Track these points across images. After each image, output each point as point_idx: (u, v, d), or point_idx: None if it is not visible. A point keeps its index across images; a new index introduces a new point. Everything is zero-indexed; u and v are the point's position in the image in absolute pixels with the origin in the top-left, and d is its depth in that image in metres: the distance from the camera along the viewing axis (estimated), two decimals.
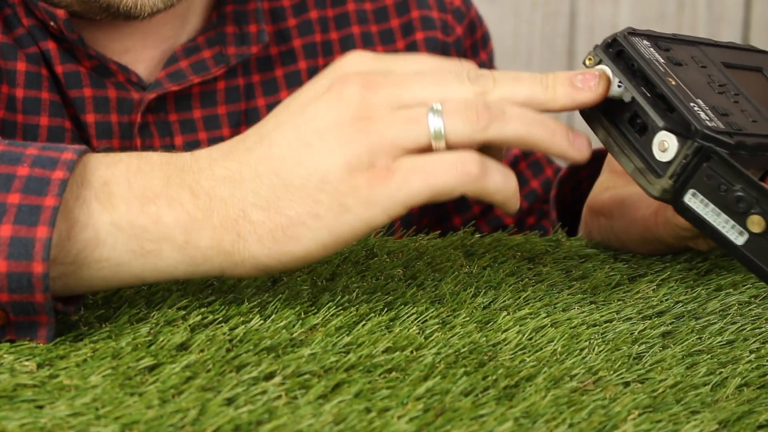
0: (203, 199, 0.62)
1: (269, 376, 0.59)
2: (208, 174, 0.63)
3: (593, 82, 0.65)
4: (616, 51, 0.67)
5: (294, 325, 0.64)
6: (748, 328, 0.70)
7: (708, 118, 0.65)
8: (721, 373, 0.63)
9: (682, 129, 0.65)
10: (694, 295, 0.75)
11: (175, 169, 0.63)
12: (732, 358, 0.65)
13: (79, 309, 0.65)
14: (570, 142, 0.64)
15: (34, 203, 0.60)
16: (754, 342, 0.68)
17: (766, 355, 0.66)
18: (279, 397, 0.57)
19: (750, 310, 0.73)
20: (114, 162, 0.63)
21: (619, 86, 0.67)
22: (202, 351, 0.61)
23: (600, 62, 0.67)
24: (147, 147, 0.92)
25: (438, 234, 0.83)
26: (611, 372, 0.62)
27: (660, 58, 0.68)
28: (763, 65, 0.77)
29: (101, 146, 0.91)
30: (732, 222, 0.64)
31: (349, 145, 0.62)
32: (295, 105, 0.64)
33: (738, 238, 0.64)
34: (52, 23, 0.88)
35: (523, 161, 1.09)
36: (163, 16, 0.92)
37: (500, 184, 0.63)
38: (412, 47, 1.03)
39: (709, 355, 0.66)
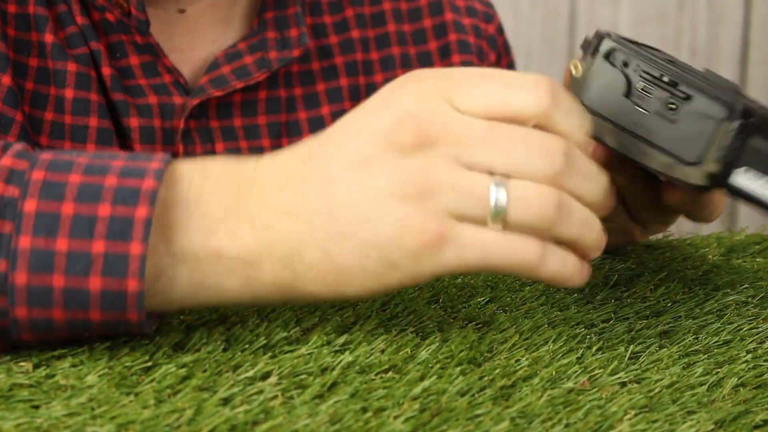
0: (262, 233, 0.61)
1: (265, 376, 0.59)
2: (266, 205, 0.61)
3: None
4: (606, 51, 0.66)
5: (290, 325, 0.64)
6: (745, 328, 0.70)
7: (731, 95, 0.65)
8: (717, 373, 0.63)
9: (713, 110, 0.65)
10: (692, 295, 0.75)
11: (236, 190, 0.62)
12: (729, 358, 0.65)
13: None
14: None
15: (120, 251, 0.59)
16: (751, 342, 0.68)
17: (762, 355, 0.66)
18: (275, 396, 0.57)
19: (747, 310, 0.73)
20: (175, 181, 0.61)
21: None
22: (198, 350, 0.61)
23: (590, 67, 0.67)
24: (189, 153, 0.91)
25: None
26: (608, 372, 0.62)
27: (648, 51, 0.68)
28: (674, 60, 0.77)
29: (144, 150, 0.91)
30: None
31: (404, 208, 0.60)
32: (354, 141, 0.62)
33: None
34: (121, 5, 0.88)
35: None
36: (209, 15, 0.93)
37: (557, 271, 0.61)
38: None
39: (706, 355, 0.65)
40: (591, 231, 0.62)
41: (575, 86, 0.68)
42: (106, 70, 0.90)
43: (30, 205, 0.59)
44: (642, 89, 0.66)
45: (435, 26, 1.04)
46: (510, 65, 1.11)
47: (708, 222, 0.78)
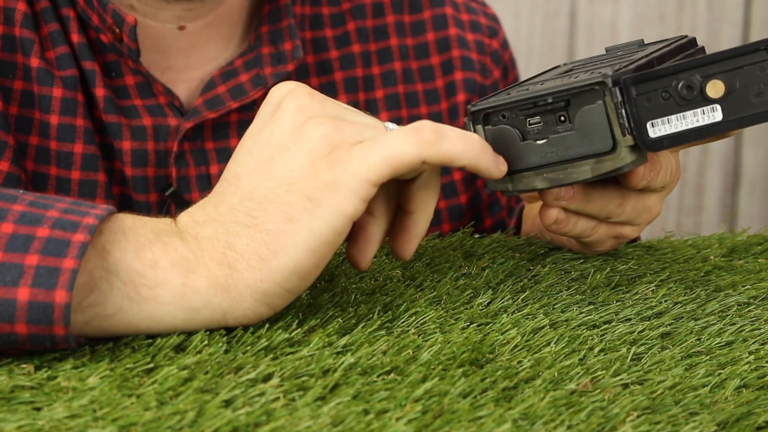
0: (192, 242, 0.63)
1: (267, 378, 0.59)
2: (190, 224, 0.64)
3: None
4: (482, 118, 0.69)
5: (292, 326, 0.64)
6: (747, 330, 0.70)
7: (597, 73, 0.67)
8: (720, 374, 0.63)
9: (592, 97, 0.67)
10: (693, 296, 0.75)
11: (163, 225, 0.64)
12: (731, 360, 0.65)
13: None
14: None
15: (53, 265, 0.59)
16: (753, 343, 0.68)
17: (765, 356, 0.66)
18: (277, 398, 0.56)
19: (749, 311, 0.73)
20: (111, 218, 0.63)
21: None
22: (199, 352, 0.61)
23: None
24: (182, 176, 0.91)
25: (437, 235, 0.83)
26: (610, 373, 0.62)
27: (514, 94, 0.70)
28: (570, 67, 0.78)
29: (135, 174, 0.90)
30: (698, 109, 0.66)
31: (309, 141, 0.63)
32: (248, 142, 0.66)
33: (715, 116, 0.66)
34: (114, 31, 0.87)
35: None
36: (209, 34, 0.92)
37: (460, 145, 0.65)
38: (450, 87, 1.03)
39: (708, 357, 0.65)
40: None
41: None
42: (100, 91, 0.89)
43: None
44: (531, 125, 0.69)
45: (438, 40, 1.03)
46: (516, 79, 1.10)
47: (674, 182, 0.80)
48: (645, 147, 0.67)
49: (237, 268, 0.62)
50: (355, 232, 0.68)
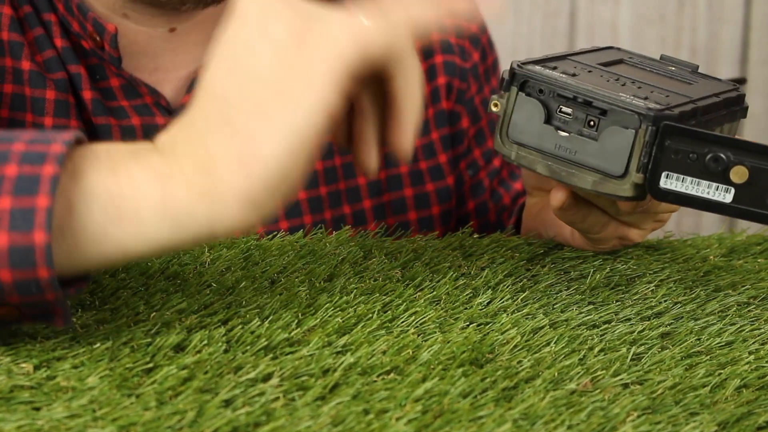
0: (168, 153, 0.61)
1: (267, 378, 0.59)
2: (167, 139, 0.62)
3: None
4: (520, 83, 0.69)
5: (292, 326, 0.64)
6: (747, 329, 0.70)
7: (643, 103, 0.67)
8: (720, 374, 0.63)
9: (628, 121, 0.67)
10: (693, 296, 0.75)
11: (140, 145, 0.62)
12: (731, 360, 0.65)
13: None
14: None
15: (27, 206, 0.58)
16: (753, 343, 0.68)
17: (765, 356, 0.66)
18: (277, 398, 0.56)
19: (749, 311, 0.73)
20: (81, 143, 0.61)
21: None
22: (199, 352, 0.61)
23: (508, 98, 0.69)
24: None
25: (436, 234, 0.83)
26: (610, 373, 0.62)
27: (560, 75, 0.69)
28: (621, 57, 0.78)
29: None
30: (715, 184, 0.66)
31: (272, 34, 0.61)
32: (217, 49, 0.63)
33: (726, 197, 0.66)
34: (94, 39, 0.87)
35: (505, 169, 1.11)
36: (197, 34, 0.92)
37: (430, 13, 0.64)
38: (431, 70, 1.04)
39: (708, 357, 0.65)
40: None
41: (499, 123, 0.70)
42: (87, 94, 0.89)
43: None
44: (561, 112, 0.69)
45: None
46: (495, 62, 1.11)
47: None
48: (650, 191, 0.67)
49: (216, 172, 0.60)
50: (354, 139, 0.67)
